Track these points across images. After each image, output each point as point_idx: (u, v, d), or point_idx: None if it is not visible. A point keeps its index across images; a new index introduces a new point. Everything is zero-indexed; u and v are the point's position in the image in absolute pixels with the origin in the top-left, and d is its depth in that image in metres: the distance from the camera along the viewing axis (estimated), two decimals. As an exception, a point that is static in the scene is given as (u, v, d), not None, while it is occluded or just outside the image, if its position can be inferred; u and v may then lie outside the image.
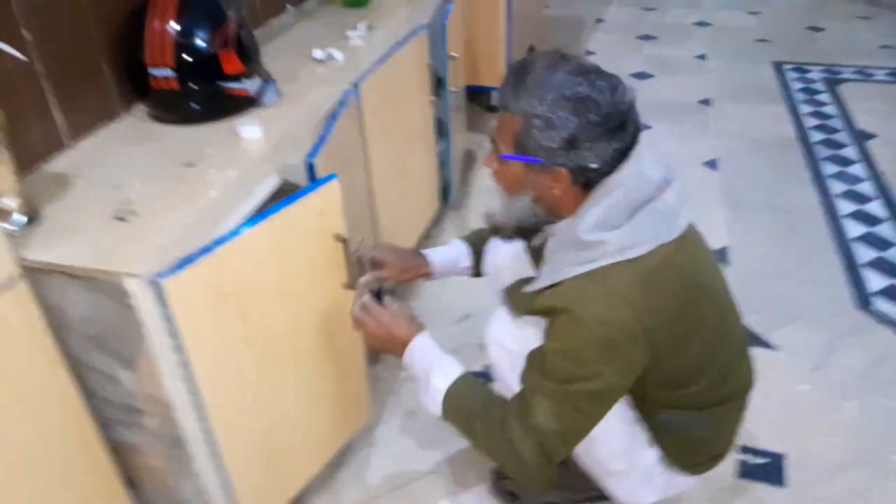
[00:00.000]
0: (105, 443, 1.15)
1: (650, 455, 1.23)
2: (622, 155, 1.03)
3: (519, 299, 1.17)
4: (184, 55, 1.30)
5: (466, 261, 1.50)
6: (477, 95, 3.15)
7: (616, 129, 1.00)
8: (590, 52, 3.92)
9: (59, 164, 1.26)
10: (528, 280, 1.18)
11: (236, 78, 1.36)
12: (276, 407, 1.29)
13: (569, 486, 1.44)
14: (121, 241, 1.04)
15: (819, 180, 2.65)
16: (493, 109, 3.23)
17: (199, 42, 1.31)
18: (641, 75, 3.62)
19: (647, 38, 4.14)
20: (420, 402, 1.23)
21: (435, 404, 1.18)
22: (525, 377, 1.12)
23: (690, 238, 1.11)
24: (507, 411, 1.11)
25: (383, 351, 1.28)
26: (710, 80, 3.55)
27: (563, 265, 1.06)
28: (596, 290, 1.02)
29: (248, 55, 1.38)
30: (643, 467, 1.23)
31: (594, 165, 1.02)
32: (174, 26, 1.29)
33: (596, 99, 0.99)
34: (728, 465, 1.55)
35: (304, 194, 1.16)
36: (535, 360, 1.09)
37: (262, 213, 1.11)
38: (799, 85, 3.44)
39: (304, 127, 1.40)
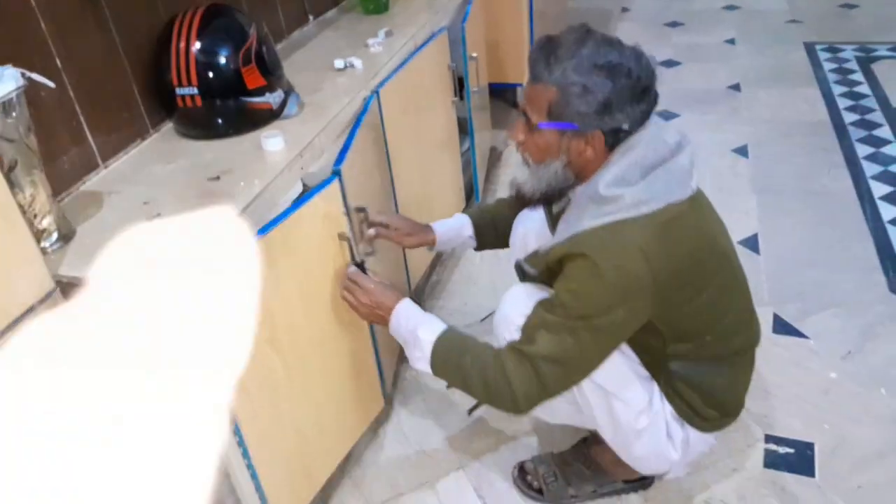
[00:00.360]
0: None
1: (667, 409, 1.27)
2: (646, 116, 1.11)
3: (538, 258, 1.21)
4: (207, 73, 1.35)
5: (468, 230, 1.56)
6: (501, 92, 3.16)
7: (643, 92, 1.10)
8: (616, 43, 3.89)
9: (93, 183, 1.33)
10: (530, 256, 1.26)
11: (259, 92, 1.41)
12: (300, 406, 1.35)
13: (591, 478, 1.46)
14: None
15: (853, 162, 2.60)
16: (517, 105, 3.23)
17: (222, 60, 1.36)
18: (669, 63, 3.59)
19: (674, 24, 4.10)
20: (411, 362, 1.29)
21: (424, 357, 1.24)
22: (530, 318, 1.17)
23: (701, 200, 1.18)
24: (503, 349, 1.18)
25: (371, 319, 1.35)
26: (740, 65, 3.50)
27: (581, 219, 1.12)
28: (612, 240, 1.08)
29: (270, 69, 1.43)
30: (664, 421, 1.27)
31: (626, 126, 1.10)
32: (197, 46, 1.34)
33: (626, 65, 1.07)
34: (757, 454, 1.55)
35: (308, 198, 1.23)
36: (543, 303, 1.15)
37: (273, 219, 1.16)
38: (831, 66, 3.37)
39: (326, 136, 1.45)
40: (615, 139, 1.12)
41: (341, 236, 1.35)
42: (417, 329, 1.25)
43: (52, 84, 1.08)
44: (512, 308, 1.26)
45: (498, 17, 2.89)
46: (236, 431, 1.21)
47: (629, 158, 1.11)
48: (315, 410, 1.40)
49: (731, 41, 3.79)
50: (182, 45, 1.34)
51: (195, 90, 1.35)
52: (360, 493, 1.56)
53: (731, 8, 4.27)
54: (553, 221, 1.35)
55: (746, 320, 1.29)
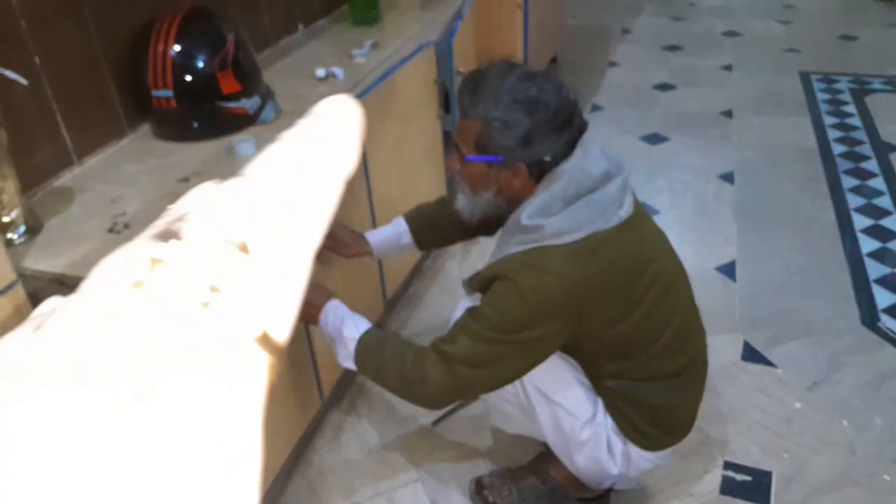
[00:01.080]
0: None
1: (608, 423, 1.29)
2: (570, 147, 1.14)
3: (474, 280, 1.26)
4: (183, 76, 1.38)
5: (406, 237, 1.58)
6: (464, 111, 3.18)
7: (564, 124, 1.13)
8: (613, 63, 3.93)
9: (66, 180, 1.35)
10: (471, 276, 1.30)
11: (234, 97, 1.44)
12: None
13: (546, 495, 1.47)
14: (110, 252, 1.11)
15: (837, 193, 2.61)
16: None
17: (198, 64, 1.39)
18: (664, 86, 3.62)
19: (673, 48, 4.13)
20: (338, 360, 1.30)
21: (347, 353, 1.26)
22: (457, 321, 1.21)
23: (637, 225, 1.19)
24: (426, 347, 1.22)
25: (300, 317, 1.36)
26: (735, 91, 3.52)
27: (508, 245, 1.17)
28: (531, 264, 1.12)
29: (246, 75, 1.46)
30: (605, 435, 1.30)
31: (547, 158, 1.13)
32: (175, 49, 1.37)
33: (545, 99, 1.11)
34: (714, 480, 1.56)
35: None
36: (471, 310, 1.19)
37: None
38: (825, 96, 3.40)
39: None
40: (540, 170, 1.15)
41: None
42: (343, 327, 1.27)
43: (24, 81, 1.10)
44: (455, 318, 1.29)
45: (492, 30, 2.92)
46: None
47: (551, 190, 1.13)
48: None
49: (728, 67, 3.82)
50: (160, 47, 1.37)
51: (170, 93, 1.38)
52: (318, 497, 1.58)
53: (731, 34, 4.31)
54: None
55: (687, 341, 1.30)
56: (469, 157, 1.19)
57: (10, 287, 1.03)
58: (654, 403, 1.27)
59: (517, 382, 1.28)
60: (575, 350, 1.20)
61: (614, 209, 1.14)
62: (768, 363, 1.87)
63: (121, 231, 1.17)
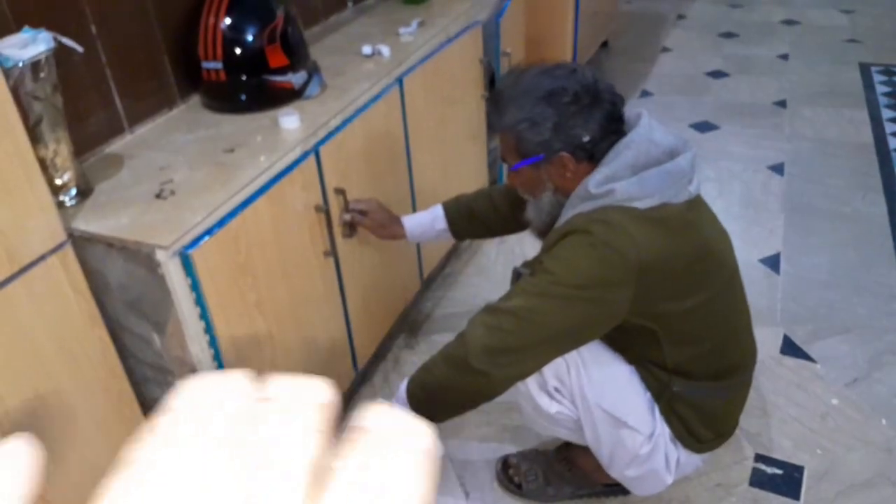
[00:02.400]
0: (137, 399, 1.29)
1: (666, 433, 1.27)
2: (612, 120, 1.15)
3: (532, 261, 1.25)
4: (232, 49, 1.41)
5: (441, 223, 1.60)
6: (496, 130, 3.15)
7: (592, 102, 1.14)
8: (666, 49, 3.86)
9: (118, 147, 1.40)
10: (527, 260, 1.30)
11: (281, 71, 1.46)
12: (283, 367, 1.41)
13: (571, 481, 1.48)
14: (157, 217, 1.16)
15: (890, 189, 2.53)
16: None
17: (247, 37, 1.42)
18: (717, 74, 3.54)
19: (728, 35, 4.03)
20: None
21: (401, 398, 1.29)
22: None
23: (702, 208, 1.19)
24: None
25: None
26: (790, 81, 3.42)
27: (573, 212, 1.16)
28: (605, 220, 1.10)
29: (294, 50, 1.48)
30: (663, 445, 1.28)
31: (586, 139, 1.14)
32: (225, 22, 1.40)
33: (560, 86, 1.13)
34: (744, 472, 1.55)
35: (288, 172, 1.31)
36: (529, 270, 1.18)
37: (259, 189, 1.25)
38: (885, 88, 3.28)
39: (341, 118, 1.49)
40: (584, 152, 1.16)
41: (318, 208, 1.41)
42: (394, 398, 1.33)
43: (80, 48, 1.15)
44: None
45: (542, 14, 2.89)
46: (226, 392, 1.27)
47: (619, 160, 1.12)
48: (291, 365, 1.46)
49: (785, 56, 3.71)
50: (211, 20, 1.40)
51: (220, 64, 1.41)
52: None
53: (790, 23, 4.18)
54: None
55: (746, 337, 1.29)
56: (514, 165, 1.21)
57: (60, 246, 1.08)
58: (713, 405, 1.26)
59: (581, 403, 1.25)
60: (640, 339, 1.18)
61: (684, 183, 1.13)
62: (808, 358, 1.84)
63: (167, 197, 1.21)
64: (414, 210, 1.87)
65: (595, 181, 1.13)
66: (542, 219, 1.27)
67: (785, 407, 1.69)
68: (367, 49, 1.77)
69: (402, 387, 1.29)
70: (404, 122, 1.75)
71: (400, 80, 1.70)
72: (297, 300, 1.43)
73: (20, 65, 1.06)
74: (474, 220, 1.58)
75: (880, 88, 3.28)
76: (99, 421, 1.19)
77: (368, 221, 1.53)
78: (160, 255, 1.09)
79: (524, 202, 1.55)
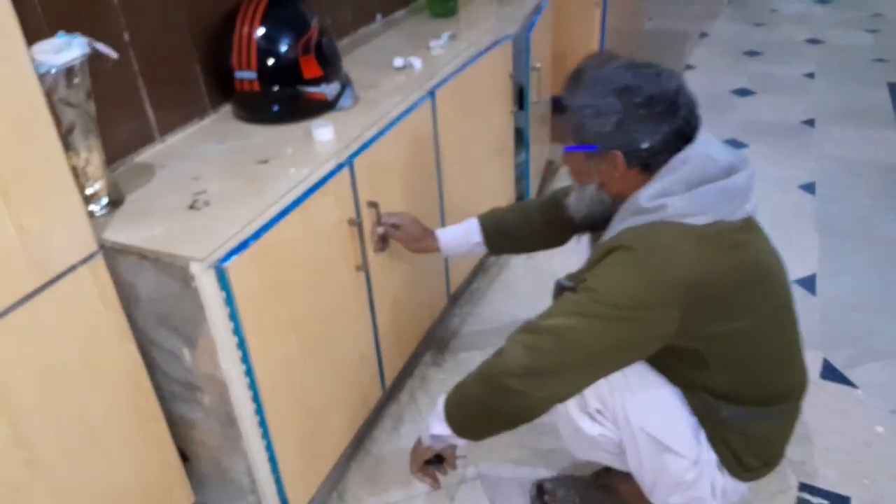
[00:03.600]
0: (164, 416, 1.24)
1: (712, 459, 1.22)
2: (679, 137, 1.09)
3: (577, 273, 1.20)
4: (266, 59, 1.38)
5: (476, 237, 1.56)
6: (563, 108, 3.13)
7: (665, 111, 1.08)
8: (689, 67, 3.82)
9: (148, 156, 1.37)
10: (571, 273, 1.24)
11: (315, 82, 1.43)
12: (313, 386, 1.37)
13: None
14: (191, 228, 1.12)
15: (926, 211, 2.47)
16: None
17: (282, 48, 1.39)
18: (742, 92, 3.49)
19: (752, 53, 3.99)
20: (433, 442, 1.29)
21: (438, 416, 1.25)
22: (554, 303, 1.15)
23: (757, 229, 1.15)
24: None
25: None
26: (817, 100, 3.38)
27: (622, 225, 1.13)
28: (655, 236, 1.06)
29: (328, 61, 1.45)
30: (709, 473, 1.22)
31: (645, 146, 1.09)
32: (260, 32, 1.38)
33: (639, 84, 1.08)
34: (788, 501, 1.48)
35: (322, 184, 1.28)
36: (571, 287, 1.14)
37: (294, 202, 1.22)
38: (916, 109, 3.23)
39: (374, 130, 1.46)
40: (640, 159, 1.11)
41: (351, 222, 1.37)
42: (430, 419, 1.29)
43: (115, 55, 1.12)
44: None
45: (568, 29, 2.87)
46: (258, 408, 1.22)
47: (674, 176, 1.08)
48: (324, 391, 1.42)
49: (811, 75, 3.67)
50: (246, 29, 1.37)
51: (254, 74, 1.38)
52: (375, 487, 1.56)
53: (814, 42, 4.14)
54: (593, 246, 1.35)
55: (796, 364, 1.24)
56: (567, 147, 1.18)
57: (90, 257, 1.05)
58: (761, 432, 1.21)
59: (624, 426, 1.19)
60: (688, 363, 1.13)
61: (740, 201, 1.09)
62: (848, 383, 1.78)
63: (200, 208, 1.17)
64: (442, 224, 1.83)
65: (647, 195, 1.09)
66: (582, 210, 1.25)
67: (828, 434, 1.63)
68: (398, 61, 1.74)
69: (440, 403, 1.25)
70: (435, 135, 1.72)
71: (432, 93, 1.67)
72: (328, 315, 1.39)
73: (54, 70, 1.04)
74: (509, 234, 1.54)
75: (910, 108, 3.23)
76: (125, 439, 1.15)
77: (402, 234, 1.50)
78: (195, 268, 1.05)
79: (560, 217, 1.51)
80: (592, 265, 1.12)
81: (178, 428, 1.31)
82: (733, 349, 1.13)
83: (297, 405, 1.34)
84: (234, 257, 1.08)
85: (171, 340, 1.18)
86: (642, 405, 1.17)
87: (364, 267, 1.46)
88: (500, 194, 2.24)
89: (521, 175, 2.36)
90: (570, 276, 1.22)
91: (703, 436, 1.21)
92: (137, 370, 1.17)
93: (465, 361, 1.88)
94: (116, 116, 1.30)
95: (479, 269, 2.23)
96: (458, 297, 2.11)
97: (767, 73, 3.70)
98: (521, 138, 2.30)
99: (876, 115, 3.19)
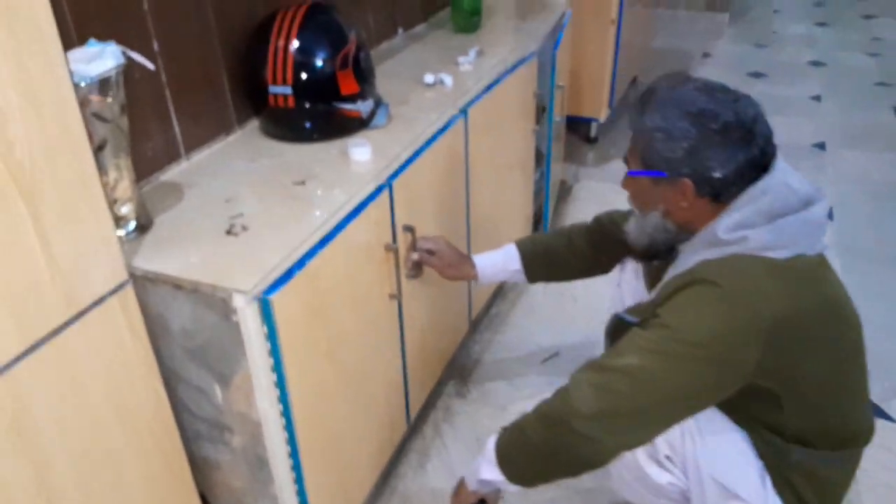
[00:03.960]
0: (189, 459, 1.15)
1: None
2: (754, 167, 1.03)
3: (642, 307, 1.13)
4: (303, 74, 1.30)
5: (515, 264, 1.50)
6: (576, 126, 3.08)
7: (741, 140, 1.02)
8: (695, 88, 3.80)
9: (174, 174, 1.28)
10: (634, 307, 1.18)
11: (351, 99, 1.35)
12: (345, 423, 1.29)
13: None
14: (230, 256, 1.03)
15: (947, 238, 2.44)
16: (591, 141, 3.15)
17: (319, 62, 1.31)
18: (750, 114, 3.46)
19: (757, 75, 3.98)
20: (477, 475, 1.19)
21: (488, 458, 1.16)
22: (622, 339, 1.07)
23: (829, 263, 1.09)
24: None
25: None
26: (826, 122, 3.36)
27: (695, 259, 1.06)
28: (737, 270, 0.99)
29: (365, 77, 1.38)
30: None
31: (717, 175, 1.03)
32: (296, 45, 1.29)
33: (715, 110, 1.02)
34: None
35: (364, 208, 1.20)
36: (642, 326, 1.06)
37: (336, 227, 1.14)
38: (924, 133, 3.22)
39: (411, 150, 1.38)
40: (711, 188, 1.05)
41: (388, 247, 1.30)
42: (479, 459, 1.20)
43: (152, 66, 1.03)
44: None
45: (582, 48, 2.82)
46: (292, 450, 1.13)
47: (753, 206, 1.02)
48: (354, 427, 1.34)
49: (817, 98, 3.65)
50: (281, 42, 1.29)
51: (289, 89, 1.30)
52: (403, 529, 1.47)
53: (817, 64, 4.14)
54: (651, 278, 1.28)
55: (866, 405, 1.18)
56: (632, 171, 1.11)
57: (121, 286, 0.96)
58: (829, 477, 1.14)
59: (693, 473, 1.12)
60: (762, 405, 1.06)
61: (819, 235, 1.04)
62: (888, 417, 1.72)
63: (238, 233, 1.08)
64: (468, 246, 1.75)
65: (725, 226, 1.02)
66: (643, 239, 1.17)
67: (874, 472, 1.57)
68: (429, 77, 1.66)
69: (490, 447, 1.16)
70: (466, 154, 1.64)
71: (465, 111, 1.60)
72: (362, 347, 1.30)
73: (87, 82, 0.95)
74: (551, 261, 1.47)
75: (919, 133, 3.22)
76: (148, 481, 1.05)
77: (437, 261, 1.42)
78: (238, 301, 0.96)
79: (606, 244, 1.44)
80: (664, 299, 1.04)
81: (199, 470, 1.21)
82: (810, 390, 1.06)
83: (330, 444, 1.25)
84: (280, 289, 1.00)
85: (201, 377, 1.09)
86: (713, 451, 1.09)
87: (398, 294, 1.37)
88: (520, 214, 2.17)
89: (540, 190, 2.30)
90: (634, 311, 1.15)
91: (768, 481, 1.13)
92: (163, 409, 1.07)
93: (490, 392, 1.80)
94: (143, 132, 1.21)
95: (498, 294, 2.15)
96: (478, 322, 2.03)
97: (774, 95, 3.68)
98: (536, 157, 2.24)
99: (886, 138, 3.18)
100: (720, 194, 1.05)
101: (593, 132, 3.14)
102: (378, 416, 1.43)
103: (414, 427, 1.68)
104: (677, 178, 1.06)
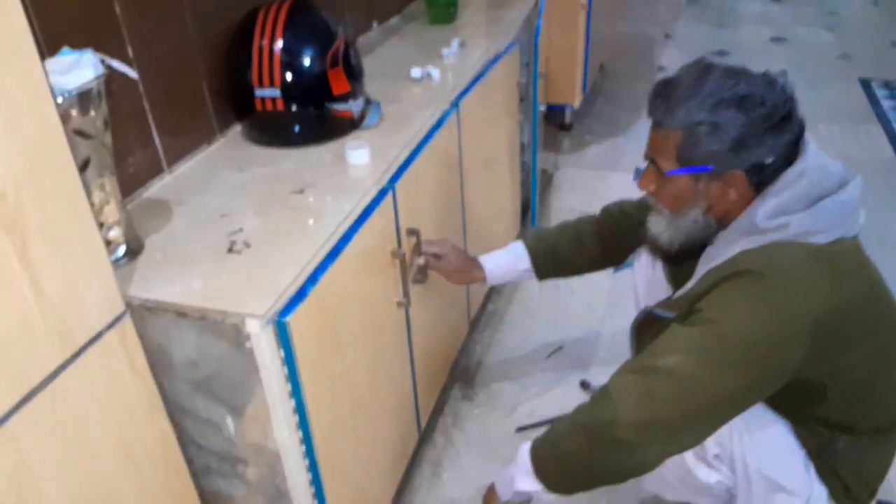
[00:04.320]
0: (198, 493, 1.06)
1: (823, 494, 1.11)
2: (794, 148, 1.00)
3: (678, 300, 1.07)
4: (291, 75, 1.21)
5: (524, 263, 1.43)
6: (549, 114, 3.04)
7: (783, 120, 0.99)
8: (661, 68, 3.79)
9: (157, 190, 1.18)
10: (667, 300, 1.12)
11: (343, 99, 1.27)
12: (363, 442, 1.22)
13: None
14: (236, 277, 0.94)
15: (929, 206, 2.46)
16: (565, 128, 3.11)
17: (308, 61, 1.22)
18: (719, 93, 3.46)
19: (721, 53, 3.98)
20: (512, 486, 1.12)
21: (524, 466, 1.09)
22: (659, 338, 1.01)
23: (863, 246, 1.05)
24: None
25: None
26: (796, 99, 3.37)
27: (732, 249, 1.00)
28: (783, 258, 0.95)
29: (355, 75, 1.30)
30: None
31: (769, 161, 0.98)
32: (281, 44, 1.21)
33: (756, 93, 0.98)
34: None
35: (369, 214, 1.13)
36: (681, 322, 1.00)
37: (344, 236, 1.06)
38: (891, 103, 3.25)
39: (409, 149, 1.31)
40: (760, 176, 1.00)
41: (394, 254, 1.23)
42: (511, 469, 1.13)
43: (135, 74, 0.94)
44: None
45: (551, 35, 2.76)
46: (314, 478, 1.05)
47: (791, 191, 0.97)
48: (370, 444, 1.27)
49: (783, 73, 3.67)
50: (265, 42, 1.20)
51: (277, 92, 1.21)
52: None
53: (778, 40, 4.17)
54: (673, 274, 1.23)
55: None
56: (671, 171, 1.03)
57: (118, 319, 0.87)
58: (873, 461, 1.11)
59: (740, 469, 1.07)
60: (801, 391, 1.02)
61: (855, 216, 0.99)
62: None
63: (241, 251, 1.00)
64: (465, 245, 1.68)
65: (764, 213, 0.97)
66: (678, 238, 1.08)
67: None
68: (416, 72, 1.59)
69: (524, 457, 1.09)
70: (459, 149, 1.58)
71: (456, 104, 1.53)
72: (374, 360, 1.23)
73: (66, 96, 0.85)
74: (561, 258, 1.41)
75: (886, 103, 3.26)
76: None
77: (444, 265, 1.34)
78: (251, 326, 0.88)
79: (616, 235, 1.39)
80: (703, 292, 0.99)
81: (210, 504, 1.12)
82: (854, 377, 1.03)
83: (349, 466, 1.17)
84: (295, 309, 0.92)
85: (210, 409, 1.00)
86: (761, 446, 1.05)
87: (406, 302, 1.30)
88: (509, 204, 2.11)
89: (527, 177, 2.24)
90: (667, 305, 1.09)
91: (812, 469, 1.10)
92: (170, 447, 0.99)
93: (497, 393, 1.74)
94: (122, 147, 1.11)
95: (493, 291, 2.09)
96: (476, 322, 1.97)
97: (740, 73, 3.69)
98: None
99: (856, 112, 3.20)
100: (762, 181, 1.00)
101: (567, 119, 3.10)
102: (391, 430, 1.36)
103: (423, 436, 1.61)
104: (725, 172, 1.00)
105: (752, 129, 0.96)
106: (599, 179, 2.74)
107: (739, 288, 0.95)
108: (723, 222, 1.05)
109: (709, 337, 0.94)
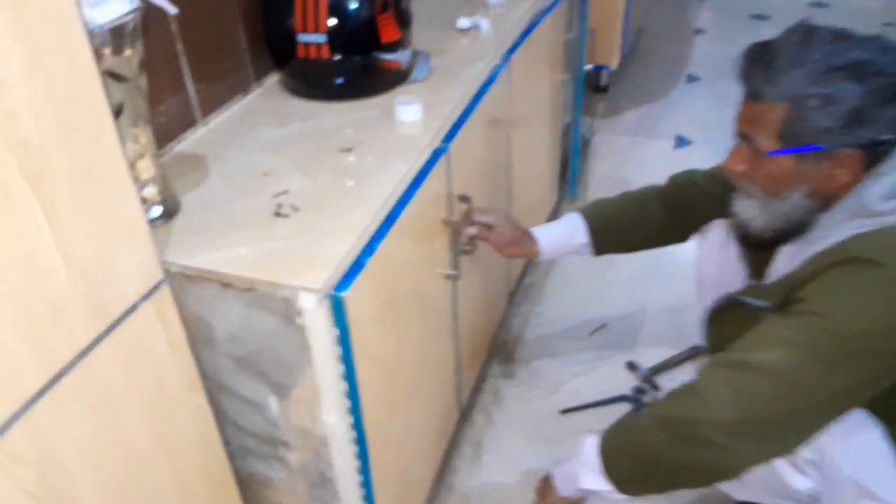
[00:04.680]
0: (234, 475, 0.97)
1: None
2: None
3: (773, 287, 0.96)
4: (339, 18, 1.09)
5: (582, 237, 1.31)
6: (585, 76, 2.89)
7: None
8: (699, 31, 3.62)
9: (191, 143, 1.08)
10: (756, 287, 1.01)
11: (392, 48, 1.15)
12: (410, 424, 1.14)
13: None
14: (285, 244, 0.84)
15: None
16: (601, 90, 2.97)
17: (356, 4, 1.10)
18: (759, 58, 3.30)
19: (760, 17, 3.81)
20: (576, 483, 1.03)
21: (592, 464, 1.00)
22: (754, 329, 0.91)
23: None
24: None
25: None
26: None
27: (838, 233, 0.89)
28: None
29: (406, 21, 1.18)
30: None
31: (887, 136, 0.86)
32: (327, -16, 1.08)
33: (872, 59, 0.85)
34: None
35: (424, 177, 1.02)
36: (779, 314, 0.90)
37: (399, 202, 0.96)
38: (943, 73, 3.09)
39: (462, 106, 1.19)
40: (873, 154, 0.88)
41: (445, 222, 1.13)
42: (575, 465, 1.04)
43: (175, 9, 0.82)
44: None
45: (594, -8, 2.61)
46: (363, 465, 0.97)
47: None
48: (417, 427, 1.19)
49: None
50: (310, -19, 1.08)
51: (323, 38, 1.09)
52: (466, 533, 1.33)
53: (819, 5, 3.98)
54: (751, 256, 1.11)
55: None
56: (773, 151, 0.91)
57: (155, 289, 0.77)
58: None
59: (832, 475, 0.96)
60: None
61: None
62: None
63: (289, 215, 0.89)
64: (508, 205, 1.58)
65: (879, 194, 0.87)
66: (775, 223, 0.96)
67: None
68: (464, 22, 1.46)
69: (590, 449, 1.00)
70: (510, 108, 1.46)
71: (508, 58, 1.40)
72: (423, 337, 1.13)
73: (98, 31, 0.74)
74: (623, 233, 1.29)
75: (937, 73, 3.10)
76: (188, 500, 0.88)
77: (496, 237, 1.24)
78: (305, 301, 0.78)
79: (684, 209, 1.27)
80: (807, 280, 0.88)
81: (246, 486, 1.04)
82: None
83: (395, 450, 1.09)
84: (352, 283, 0.81)
85: (253, 388, 0.91)
86: (856, 450, 0.95)
87: (455, 274, 1.20)
88: (546, 172, 1.99)
89: (568, 131, 2.12)
90: (756, 292, 0.98)
91: None
92: (207, 428, 0.90)
93: (538, 371, 1.65)
94: (156, 93, 0.99)
95: (530, 261, 1.99)
96: (514, 294, 1.87)
97: (780, 37, 3.52)
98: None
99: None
100: (874, 159, 0.88)
101: (604, 80, 2.95)
102: (433, 410, 1.27)
103: (463, 415, 1.52)
104: (837, 151, 0.88)
105: (870, 102, 0.84)
106: (637, 146, 2.61)
107: (851, 277, 0.84)
108: (825, 205, 0.93)
109: (815, 330, 0.84)
